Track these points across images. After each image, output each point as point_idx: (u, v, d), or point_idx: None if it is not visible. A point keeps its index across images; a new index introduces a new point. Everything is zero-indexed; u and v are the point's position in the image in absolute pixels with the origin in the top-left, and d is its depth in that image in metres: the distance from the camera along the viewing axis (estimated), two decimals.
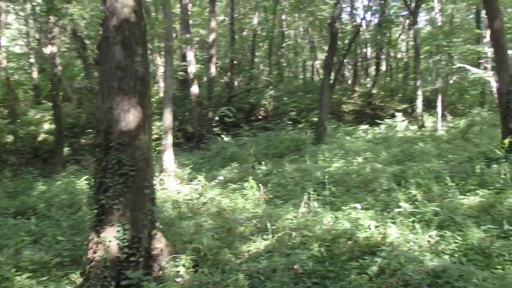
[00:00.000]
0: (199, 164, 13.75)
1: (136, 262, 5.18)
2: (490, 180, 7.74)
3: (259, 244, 6.25)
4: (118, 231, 5.15)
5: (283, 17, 26.90)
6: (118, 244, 5.12)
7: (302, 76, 33.49)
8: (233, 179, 10.68)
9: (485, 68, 20.47)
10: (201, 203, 8.43)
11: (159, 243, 5.61)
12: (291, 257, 5.39)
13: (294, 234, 6.23)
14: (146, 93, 5.61)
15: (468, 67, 19.89)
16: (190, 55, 19.41)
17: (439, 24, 23.98)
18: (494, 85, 14.63)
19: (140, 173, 5.35)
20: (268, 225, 6.50)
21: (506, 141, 9.15)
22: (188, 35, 19.37)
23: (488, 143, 11.95)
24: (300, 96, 23.61)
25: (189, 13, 20.18)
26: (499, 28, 10.65)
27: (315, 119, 19.02)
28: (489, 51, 18.72)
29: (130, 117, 5.30)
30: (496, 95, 13.83)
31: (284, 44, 27.40)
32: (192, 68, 19.23)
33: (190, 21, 21.00)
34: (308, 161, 11.76)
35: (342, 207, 6.98)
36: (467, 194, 7.24)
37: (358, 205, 6.68)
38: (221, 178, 9.85)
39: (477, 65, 22.53)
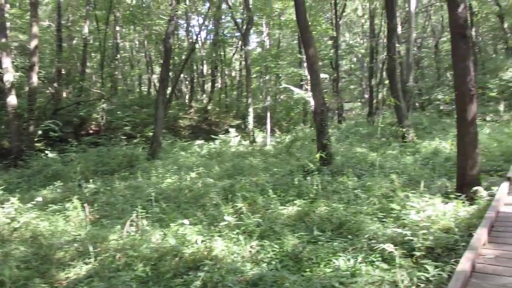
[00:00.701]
0: (14, 184, 12.16)
1: None
2: (306, 191, 8.60)
3: (79, 270, 5.77)
4: None
5: (117, 28, 25.95)
6: None
7: (138, 90, 32.69)
8: (55, 199, 9.72)
9: (306, 89, 22.90)
10: (13, 229, 7.44)
11: None
12: (113, 280, 5.11)
13: (118, 255, 5.91)
14: None
15: (292, 87, 21.97)
16: (7, 62, 17.21)
17: (268, 47, 26.10)
18: (312, 104, 16.48)
19: None
20: (90, 248, 6.05)
21: (318, 155, 10.29)
22: (3, 40, 17.17)
23: (307, 157, 13.30)
24: (136, 110, 22.98)
25: (6, 15, 17.98)
26: (313, 56, 12.02)
27: (151, 134, 18.70)
28: (308, 74, 21.01)
29: None
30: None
31: (118, 56, 26.41)
32: (9, 76, 17.07)
33: (8, 24, 18.71)
34: (140, 178, 11.42)
35: (171, 224, 6.92)
36: (287, 205, 7.89)
37: (186, 221, 6.70)
38: (39, 199, 8.82)
39: (300, 86, 25.04)
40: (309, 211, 7.28)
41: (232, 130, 20.81)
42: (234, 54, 33.41)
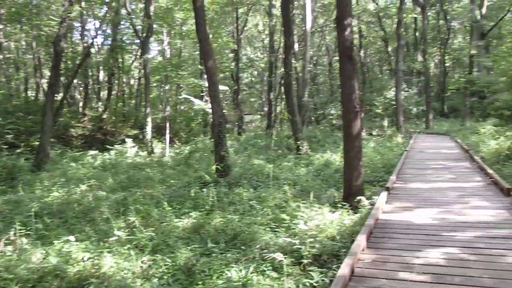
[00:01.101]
0: None
1: None
2: (202, 202, 8.56)
3: None
4: None
5: (0, 26, 23.63)
6: None
7: (23, 95, 29.91)
8: None
9: (206, 101, 22.98)
10: None
11: None
12: None
13: None
14: None
15: (192, 98, 21.96)
16: None
17: (168, 56, 25.74)
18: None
19: None
20: None
21: (214, 167, 10.34)
22: None
23: (205, 169, 13.29)
24: (20, 117, 20.97)
25: None
26: (212, 67, 12.09)
27: (38, 143, 17.26)
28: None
29: None
30: None
31: (1, 57, 24.03)
32: None
33: None
34: (21, 191, 10.45)
35: (54, 241, 6.40)
36: (182, 217, 7.76)
37: (71, 237, 6.24)
38: None
39: (201, 97, 25.05)
40: (204, 223, 7.23)
41: (129, 140, 20.09)
42: (133, 61, 32.38)
